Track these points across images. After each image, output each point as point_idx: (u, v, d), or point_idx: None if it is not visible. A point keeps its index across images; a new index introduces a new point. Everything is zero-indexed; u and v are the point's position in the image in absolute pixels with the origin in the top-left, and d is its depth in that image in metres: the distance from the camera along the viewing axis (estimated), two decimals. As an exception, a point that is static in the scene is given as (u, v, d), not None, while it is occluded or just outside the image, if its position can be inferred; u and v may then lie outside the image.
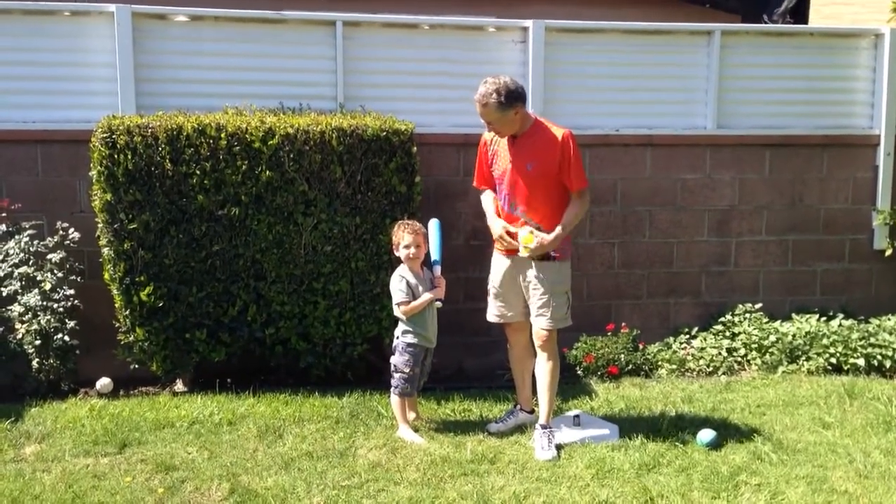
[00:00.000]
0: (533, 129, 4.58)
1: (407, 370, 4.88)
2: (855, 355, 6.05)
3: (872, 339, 6.15)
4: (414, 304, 4.83)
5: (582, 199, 4.64)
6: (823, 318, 6.52)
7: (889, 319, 6.49)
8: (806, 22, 8.31)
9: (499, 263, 4.83)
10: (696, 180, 6.69)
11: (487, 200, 4.82)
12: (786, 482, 4.23)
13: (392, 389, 4.92)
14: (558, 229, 4.56)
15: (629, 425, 5.02)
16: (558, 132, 4.54)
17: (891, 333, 6.24)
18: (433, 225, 4.96)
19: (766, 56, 6.76)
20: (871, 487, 4.18)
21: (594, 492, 4.12)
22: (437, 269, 4.91)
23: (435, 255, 4.90)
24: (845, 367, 6.04)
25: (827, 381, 5.85)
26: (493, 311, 4.92)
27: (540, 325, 4.73)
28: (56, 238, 5.61)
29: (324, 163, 5.35)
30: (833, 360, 6.06)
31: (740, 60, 6.68)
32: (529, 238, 4.55)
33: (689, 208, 6.70)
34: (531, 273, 4.68)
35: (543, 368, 4.83)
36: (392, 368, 4.93)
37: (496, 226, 4.71)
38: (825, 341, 6.14)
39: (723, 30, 6.66)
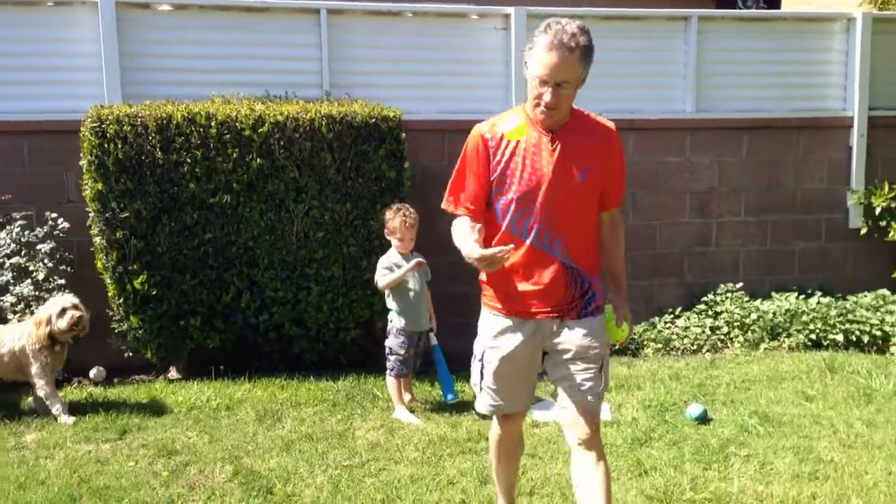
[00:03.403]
0: (578, 118, 2.97)
1: (402, 352, 4.97)
2: (834, 331, 6.23)
3: (850, 316, 6.34)
4: (392, 276, 4.93)
5: (621, 221, 3.21)
6: (802, 296, 6.70)
7: (865, 296, 6.68)
8: (779, 7, 8.48)
9: (505, 333, 3.04)
10: (676, 163, 6.83)
11: (464, 226, 2.99)
12: (773, 453, 4.38)
13: (388, 371, 5.01)
14: (621, 291, 3.18)
15: (620, 403, 5.15)
16: (607, 122, 3.04)
17: (867, 310, 6.44)
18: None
19: (743, 41, 6.91)
20: (855, 456, 4.34)
21: (590, 465, 4.23)
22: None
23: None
24: (825, 343, 6.22)
25: (808, 356, 6.02)
26: (490, 401, 3.18)
27: (591, 408, 3.02)
28: (45, 228, 5.61)
29: (314, 150, 5.40)
30: (813, 337, 6.24)
31: (717, 45, 6.82)
32: (622, 330, 3.14)
33: (670, 191, 6.84)
34: (573, 336, 3.00)
35: (599, 479, 2.99)
36: (387, 351, 5.02)
37: (477, 250, 2.82)
38: (805, 318, 6.31)
39: (699, 15, 6.79)
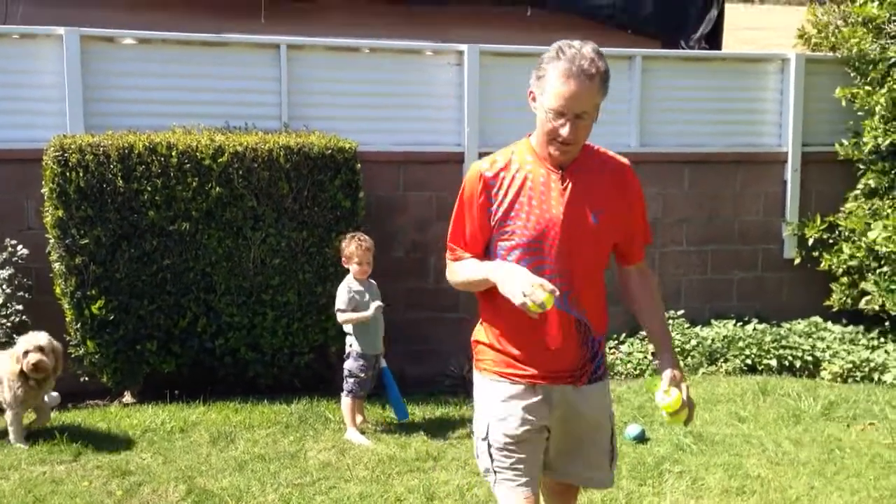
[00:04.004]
0: (589, 154, 2.64)
1: (361, 374, 5.15)
2: (768, 356, 6.53)
3: (784, 342, 6.65)
4: (350, 316, 5.12)
5: (651, 273, 2.86)
6: (739, 324, 7.00)
7: (799, 323, 7.01)
8: (720, 47, 8.89)
9: (514, 402, 2.62)
10: (621, 195, 7.12)
11: (467, 263, 2.67)
12: (705, 469, 4.62)
13: (344, 392, 5.19)
14: (667, 351, 2.72)
15: (563, 423, 5.37)
16: (620, 158, 2.71)
17: (800, 336, 6.75)
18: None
19: (685, 79, 7.26)
20: (781, 472, 4.61)
21: (531, 483, 4.44)
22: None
23: None
24: (760, 368, 6.52)
25: (743, 380, 6.30)
26: (513, 485, 2.61)
27: (604, 483, 2.84)
28: (5, 255, 5.71)
29: (272, 179, 5.60)
30: (748, 362, 6.53)
31: (661, 83, 7.15)
32: (676, 400, 2.58)
33: (615, 221, 7.11)
34: (586, 405, 2.65)
35: None
36: (346, 373, 5.19)
37: (523, 279, 2.43)
38: (741, 344, 6.60)
39: (643, 55, 7.14)
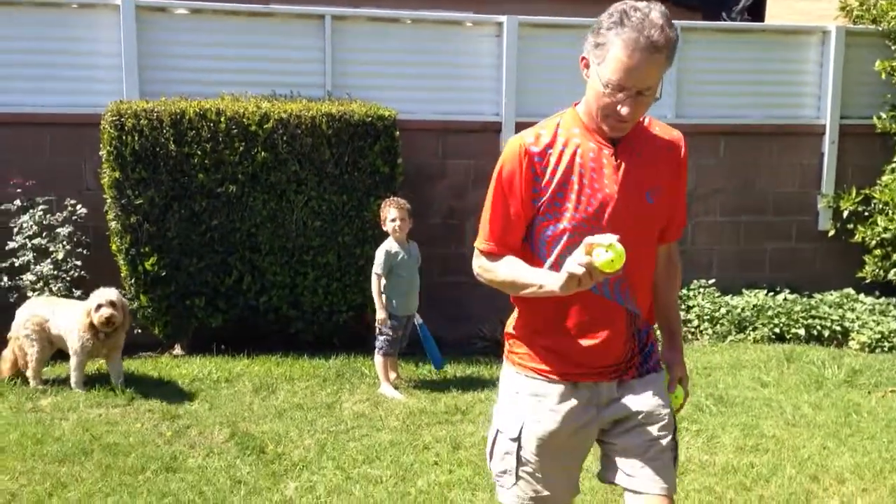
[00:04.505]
0: (641, 125, 2.34)
1: (391, 333, 5.41)
2: (797, 326, 6.64)
3: (813, 312, 6.74)
4: (376, 291, 5.36)
5: (679, 258, 2.60)
6: (771, 293, 7.11)
7: (831, 294, 7.09)
8: (762, 19, 8.89)
9: (552, 401, 2.35)
10: (656, 165, 7.24)
11: (512, 263, 2.31)
12: (722, 429, 4.80)
13: (376, 350, 5.45)
14: (676, 347, 2.55)
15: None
16: (674, 131, 2.41)
17: (830, 307, 6.84)
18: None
19: (722, 51, 7.33)
20: (796, 433, 4.77)
21: (553, 436, 4.68)
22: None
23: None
24: (788, 337, 6.63)
25: (770, 348, 6.43)
26: (530, 493, 2.39)
27: (662, 491, 2.33)
28: (65, 213, 6.08)
29: (314, 145, 5.86)
30: (777, 330, 6.65)
31: (698, 55, 7.23)
32: (676, 396, 2.47)
33: (650, 191, 7.25)
34: (639, 399, 2.35)
35: None
36: (377, 331, 5.45)
37: (573, 264, 2.09)
38: (770, 313, 6.72)
39: (682, 26, 7.19)
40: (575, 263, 2.05)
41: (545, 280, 2.18)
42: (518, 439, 2.35)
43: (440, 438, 4.63)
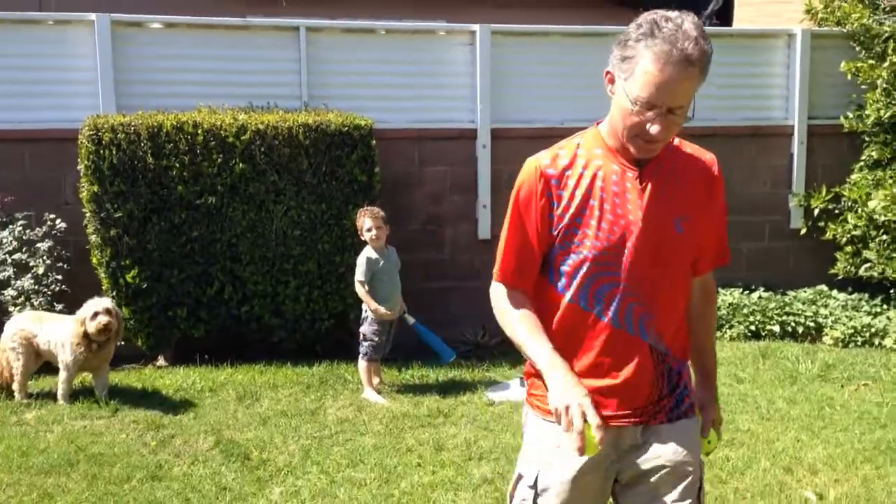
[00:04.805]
0: (669, 147, 2.16)
1: (375, 338, 5.48)
2: (772, 323, 6.77)
3: (788, 309, 6.88)
4: (363, 293, 5.47)
5: (715, 290, 2.41)
6: (746, 292, 7.23)
7: (805, 291, 7.23)
8: (731, 23, 9.05)
9: (562, 447, 2.11)
10: (630, 169, 7.37)
11: (524, 317, 2.15)
12: (699, 424, 4.89)
13: (360, 356, 5.52)
14: (711, 388, 2.37)
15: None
16: (706, 154, 2.23)
17: (804, 303, 6.98)
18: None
19: (692, 55, 7.44)
20: (771, 427, 4.88)
21: (534, 436, 4.76)
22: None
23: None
24: (763, 334, 6.76)
25: (746, 345, 6.55)
26: None
27: None
28: (44, 228, 6.10)
29: (292, 155, 5.92)
30: (752, 328, 6.77)
31: (669, 59, 7.34)
32: (708, 441, 2.31)
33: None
34: (665, 448, 2.14)
35: None
36: (361, 337, 5.53)
37: (572, 392, 1.97)
38: (745, 311, 6.85)
39: (652, 32, 7.33)
40: (571, 416, 1.88)
41: (542, 362, 2.03)
42: (535, 486, 2.16)
43: (423, 441, 4.70)
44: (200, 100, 6.34)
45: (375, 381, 5.61)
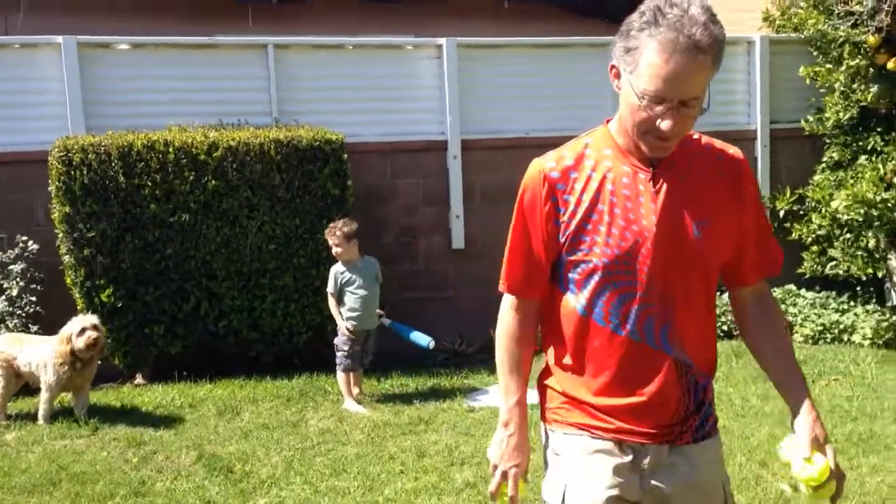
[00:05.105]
0: (687, 144, 1.98)
1: (346, 348, 5.52)
2: (742, 322, 6.88)
3: (758, 308, 7.00)
4: (332, 306, 5.57)
5: (774, 300, 2.17)
6: (718, 293, 7.33)
7: (774, 290, 7.33)
8: (692, 32, 9.24)
9: (600, 459, 1.99)
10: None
11: (511, 354, 2.09)
12: (676, 421, 4.98)
13: (337, 367, 5.55)
14: (805, 401, 1.99)
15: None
16: (730, 149, 2.05)
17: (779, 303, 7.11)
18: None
19: (656, 63, 7.60)
20: (745, 423, 4.98)
21: (515, 439, 4.81)
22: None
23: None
24: (735, 333, 6.87)
25: (719, 344, 6.57)
26: None
27: None
28: (17, 250, 6.07)
29: (264, 171, 5.96)
30: (724, 328, 6.90)
31: (633, 68, 7.50)
32: (822, 472, 1.92)
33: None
34: (691, 471, 1.98)
35: None
36: (335, 348, 5.56)
37: (506, 458, 2.04)
38: (717, 311, 6.94)
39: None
40: (494, 480, 2.03)
41: (502, 410, 2.05)
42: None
43: (405, 448, 4.74)
44: (170, 118, 6.36)
45: (355, 391, 5.64)
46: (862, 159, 7.02)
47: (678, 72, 1.76)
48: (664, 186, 1.92)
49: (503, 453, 2.03)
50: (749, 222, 2.00)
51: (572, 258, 1.95)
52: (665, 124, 1.81)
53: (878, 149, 6.96)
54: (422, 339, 5.70)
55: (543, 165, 1.98)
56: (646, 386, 1.94)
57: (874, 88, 6.87)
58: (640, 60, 1.80)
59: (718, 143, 2.02)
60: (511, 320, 2.08)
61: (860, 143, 7.12)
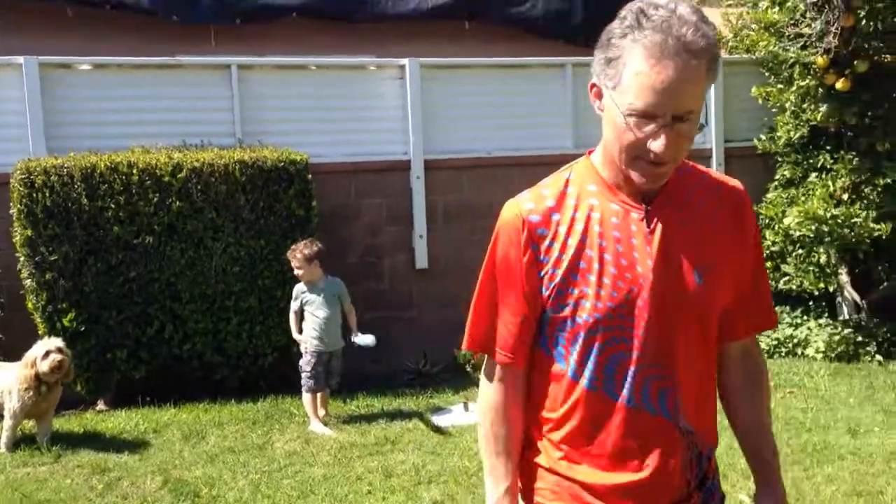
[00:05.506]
0: (683, 175, 1.71)
1: (309, 368, 5.55)
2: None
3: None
4: (292, 325, 5.69)
5: (763, 359, 1.91)
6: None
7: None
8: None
9: None
10: (560, 194, 7.60)
11: (496, 435, 1.78)
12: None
13: (302, 388, 5.57)
14: (773, 482, 1.86)
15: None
16: (730, 180, 1.79)
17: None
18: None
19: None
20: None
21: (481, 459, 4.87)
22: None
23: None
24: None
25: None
26: None
27: None
28: (-25, 274, 6.00)
29: (229, 192, 5.97)
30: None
31: (592, 88, 7.64)
32: None
33: (555, 219, 7.60)
34: None
35: None
36: (300, 369, 5.58)
37: None
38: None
39: (574, 62, 7.64)
40: None
41: (492, 491, 1.75)
42: None
43: (372, 469, 4.77)
44: (133, 139, 6.35)
45: (322, 412, 5.66)
46: (812, 177, 7.24)
47: (669, 80, 1.49)
48: (659, 226, 1.64)
49: None
50: (748, 264, 1.74)
51: (559, 315, 1.66)
52: (657, 144, 1.52)
53: (828, 166, 7.18)
54: (367, 340, 5.70)
55: (521, 208, 1.69)
56: (645, 460, 1.67)
57: (823, 108, 7.09)
58: (624, 72, 1.53)
59: (716, 174, 1.78)
60: (494, 394, 1.75)
61: (810, 161, 7.34)
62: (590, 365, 1.66)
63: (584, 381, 1.67)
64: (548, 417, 1.74)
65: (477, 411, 1.79)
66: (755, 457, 1.86)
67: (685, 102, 1.52)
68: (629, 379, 1.65)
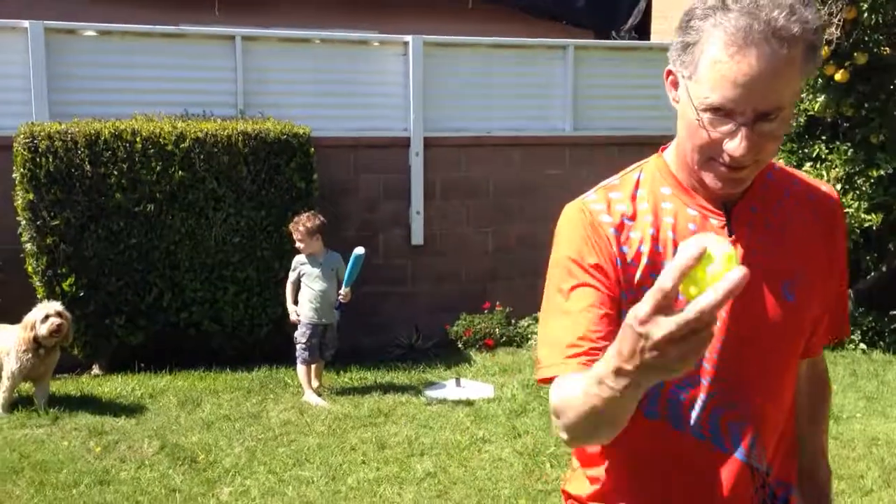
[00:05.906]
0: (769, 179, 1.49)
1: (304, 340, 5.63)
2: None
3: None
4: (288, 299, 5.75)
5: (827, 376, 1.73)
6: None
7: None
8: (649, 37, 9.49)
9: None
10: (557, 175, 7.68)
11: (576, 380, 1.28)
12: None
13: (297, 359, 5.65)
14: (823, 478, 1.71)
15: (502, 384, 5.91)
16: (822, 186, 1.55)
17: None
18: (354, 256, 5.66)
19: (614, 67, 7.82)
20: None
21: (472, 432, 4.98)
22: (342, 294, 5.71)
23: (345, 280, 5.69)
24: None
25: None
26: None
27: None
28: (-25, 236, 6.04)
29: (231, 163, 6.01)
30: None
31: (592, 71, 7.70)
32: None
33: (552, 199, 7.65)
34: None
35: None
36: (294, 341, 5.66)
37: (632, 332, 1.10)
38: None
39: (575, 45, 7.67)
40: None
41: (593, 375, 1.20)
42: None
43: (366, 440, 4.87)
44: (135, 107, 6.37)
45: (315, 383, 5.74)
46: (807, 166, 7.31)
47: (751, 72, 1.27)
48: (743, 236, 1.44)
49: (627, 335, 1.11)
50: (835, 280, 1.54)
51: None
52: (733, 146, 1.31)
53: (823, 156, 7.25)
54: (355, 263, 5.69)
55: (589, 206, 1.47)
56: (706, 499, 1.47)
57: (821, 98, 7.15)
58: (701, 60, 1.31)
59: (807, 177, 1.55)
60: (563, 382, 1.37)
61: (806, 151, 7.41)
62: (653, 390, 1.27)
63: (643, 408, 1.38)
64: (595, 448, 1.52)
65: (567, 427, 1.33)
66: (809, 480, 1.67)
67: (771, 98, 1.29)
68: (697, 407, 1.43)
